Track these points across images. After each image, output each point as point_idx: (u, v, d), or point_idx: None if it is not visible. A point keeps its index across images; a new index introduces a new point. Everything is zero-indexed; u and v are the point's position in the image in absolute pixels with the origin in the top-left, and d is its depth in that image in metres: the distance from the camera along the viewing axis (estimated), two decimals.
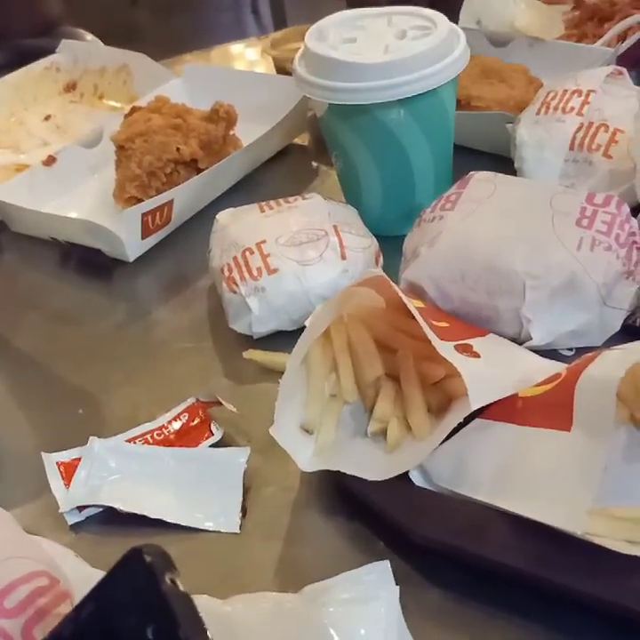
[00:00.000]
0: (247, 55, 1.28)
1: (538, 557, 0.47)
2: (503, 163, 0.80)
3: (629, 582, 0.45)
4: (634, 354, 0.49)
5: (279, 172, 0.93)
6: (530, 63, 0.96)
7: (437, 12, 0.75)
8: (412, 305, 0.55)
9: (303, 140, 0.99)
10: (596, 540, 0.45)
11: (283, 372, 0.63)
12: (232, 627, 0.47)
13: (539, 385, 0.55)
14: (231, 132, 0.92)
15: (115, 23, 1.87)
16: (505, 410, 0.54)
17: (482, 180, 0.68)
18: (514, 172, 0.79)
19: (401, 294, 0.55)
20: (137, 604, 0.34)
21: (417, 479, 0.53)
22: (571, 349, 0.63)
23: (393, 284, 0.56)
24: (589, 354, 0.53)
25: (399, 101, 0.71)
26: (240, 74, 1.05)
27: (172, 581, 0.34)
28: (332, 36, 0.75)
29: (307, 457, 0.56)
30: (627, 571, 0.45)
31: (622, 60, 0.91)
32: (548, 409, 0.52)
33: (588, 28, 1.04)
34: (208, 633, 0.34)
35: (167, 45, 1.33)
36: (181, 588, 0.34)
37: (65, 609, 0.45)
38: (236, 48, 1.27)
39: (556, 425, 0.50)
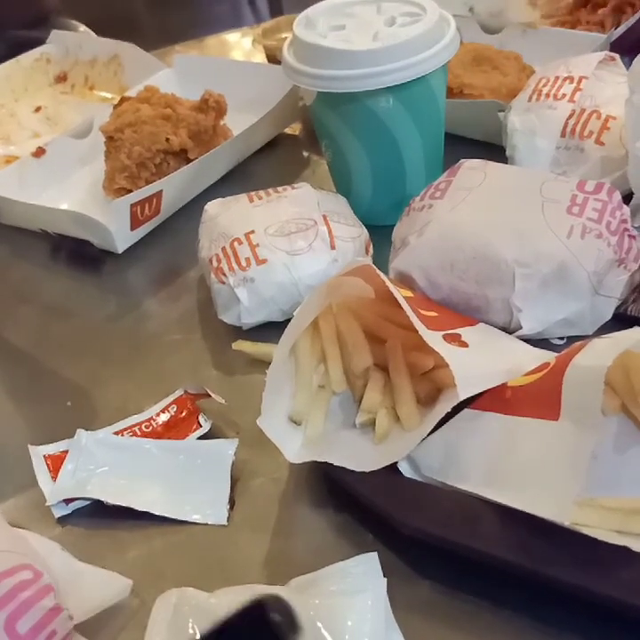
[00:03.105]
0: (240, 45, 1.27)
1: (526, 549, 0.47)
2: (495, 151, 0.79)
3: (618, 574, 0.45)
4: (622, 342, 0.48)
5: (269, 162, 0.93)
6: (523, 50, 0.95)
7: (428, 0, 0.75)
8: (400, 294, 0.54)
9: (294, 129, 0.98)
10: (585, 531, 0.45)
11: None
12: (213, 620, 0.47)
13: (527, 374, 0.54)
14: (221, 122, 0.91)
15: (110, 14, 1.86)
16: (494, 400, 0.53)
17: (472, 168, 0.67)
18: (505, 161, 0.78)
19: (388, 283, 0.55)
20: None
21: (406, 470, 0.52)
22: (562, 338, 0.62)
23: (380, 273, 0.56)
24: (578, 343, 0.53)
25: (388, 89, 0.70)
26: (230, 63, 1.04)
27: None
28: (321, 23, 0.74)
29: (295, 448, 0.56)
30: (615, 562, 0.45)
31: (615, 45, 0.90)
32: (537, 398, 0.51)
33: (581, 15, 1.03)
34: None
35: (163, 36, 1.32)
36: None
37: (48, 602, 0.44)
38: (229, 37, 1.26)
39: (544, 414, 0.50)
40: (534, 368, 0.54)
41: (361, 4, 0.76)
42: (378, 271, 0.56)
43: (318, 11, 0.75)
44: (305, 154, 0.94)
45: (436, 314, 0.59)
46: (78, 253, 0.82)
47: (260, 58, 1.15)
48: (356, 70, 0.69)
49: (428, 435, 0.52)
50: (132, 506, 0.55)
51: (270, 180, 0.80)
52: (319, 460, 0.53)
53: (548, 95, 0.76)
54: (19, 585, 0.44)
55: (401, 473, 0.52)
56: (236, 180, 0.90)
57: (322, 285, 0.56)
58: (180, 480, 0.57)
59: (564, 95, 0.76)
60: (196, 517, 0.55)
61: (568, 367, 0.49)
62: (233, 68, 1.00)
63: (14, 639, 0.42)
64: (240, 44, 1.27)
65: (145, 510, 0.55)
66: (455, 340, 0.57)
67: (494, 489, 0.49)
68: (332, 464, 0.53)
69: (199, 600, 0.48)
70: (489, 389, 0.53)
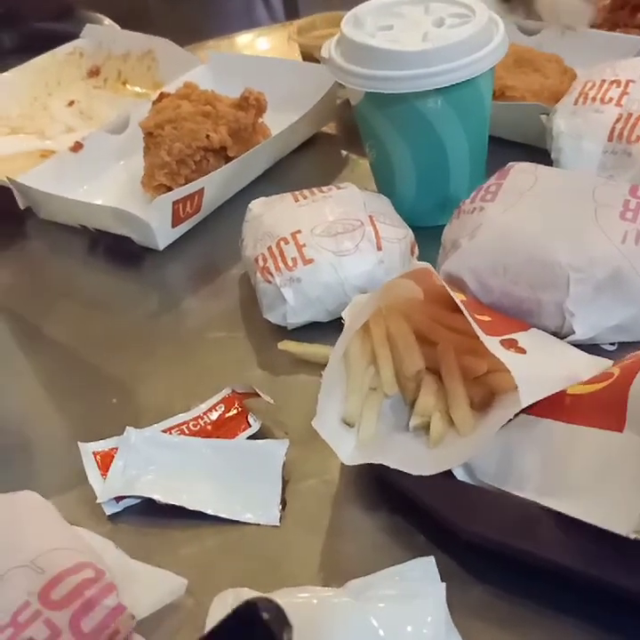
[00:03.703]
0: (269, 42, 1.26)
1: (587, 555, 0.47)
2: (537, 154, 0.79)
3: None
4: None
5: (307, 161, 0.92)
6: (562, 52, 0.95)
7: (477, 1, 0.74)
8: (456, 297, 0.54)
9: (331, 128, 0.98)
10: None
11: (317, 364, 0.62)
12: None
13: (588, 383, 0.53)
14: (260, 120, 0.91)
15: (124, 9, 1.85)
16: (552, 406, 0.53)
17: (522, 171, 0.67)
18: (549, 164, 0.77)
19: (447, 288, 0.54)
20: None
21: (459, 474, 0.52)
22: (613, 344, 0.62)
23: (438, 277, 0.55)
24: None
25: (437, 90, 0.70)
26: (266, 60, 1.03)
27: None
28: (369, 22, 0.73)
29: (348, 450, 0.55)
30: None
31: None
32: (599, 408, 0.51)
33: (619, 17, 1.02)
34: None
35: (177, 32, 1.31)
36: None
37: (111, 601, 0.44)
38: (258, 35, 1.26)
39: (608, 425, 0.49)
40: (595, 376, 0.54)
41: (409, 3, 0.75)
42: (436, 274, 0.55)
43: (366, 10, 0.75)
44: (343, 153, 0.94)
45: (489, 318, 0.59)
46: (117, 249, 0.82)
47: (289, 55, 1.14)
48: (405, 71, 0.69)
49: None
50: (183, 505, 0.55)
51: (309, 179, 0.80)
52: (374, 462, 0.53)
53: (594, 99, 0.76)
54: (82, 583, 0.44)
55: (454, 476, 0.52)
56: (275, 178, 0.89)
57: (381, 287, 0.56)
58: (232, 480, 0.57)
59: (611, 99, 0.75)
60: (248, 517, 0.55)
61: (635, 378, 0.49)
62: (269, 66, 1.00)
63: (79, 638, 0.42)
64: (267, 41, 1.26)
65: (197, 509, 0.55)
66: (513, 345, 0.57)
67: (554, 498, 0.49)
68: (386, 467, 0.53)
69: None
70: (548, 396, 0.53)
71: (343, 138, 0.96)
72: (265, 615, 0.34)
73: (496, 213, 0.63)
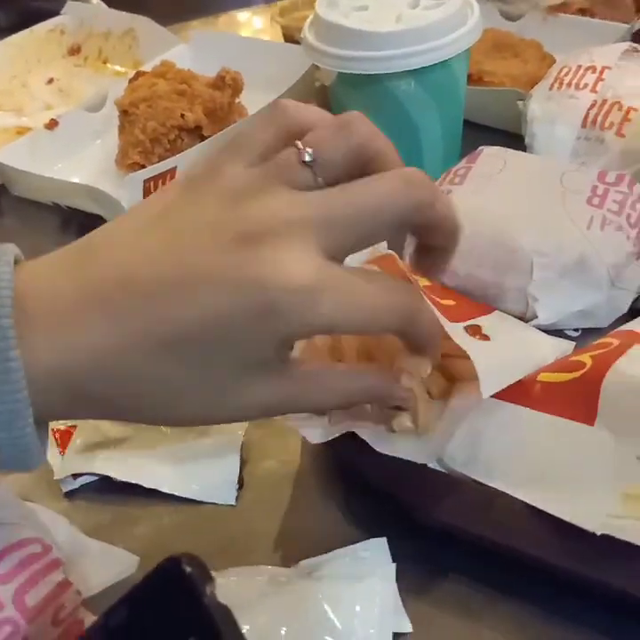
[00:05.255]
0: (254, 23, 1.26)
1: (543, 540, 0.46)
2: (513, 139, 0.78)
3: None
4: None
5: None
6: (543, 38, 0.94)
7: None
8: (419, 284, 0.54)
9: None
10: (617, 532, 0.44)
11: None
12: (226, 599, 0.47)
13: (558, 371, 0.53)
14: (237, 100, 0.90)
15: None
16: (520, 392, 0.52)
17: (491, 155, 0.66)
18: (524, 149, 0.77)
19: (410, 276, 0.54)
20: (176, 616, 0.33)
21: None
22: (576, 330, 0.62)
23: (400, 262, 0.55)
24: (617, 343, 0.52)
25: (410, 72, 0.69)
26: (248, 41, 1.03)
27: (212, 593, 0.33)
28: (344, 3, 0.73)
29: (316, 432, 0.55)
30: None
31: (637, 36, 0.89)
32: (571, 399, 0.50)
33: (603, 3, 1.02)
34: None
35: (171, 13, 1.30)
36: (220, 600, 0.33)
37: (57, 576, 0.44)
38: (244, 16, 1.25)
39: (578, 417, 0.49)
40: (566, 365, 0.53)
41: None
42: (399, 261, 0.55)
43: None
44: None
45: (453, 302, 0.59)
46: (89, 227, 0.80)
47: (272, 37, 1.13)
48: (379, 52, 0.68)
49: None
50: (140, 482, 0.55)
51: None
52: (344, 430, 0.52)
53: (569, 84, 0.76)
54: (28, 558, 0.43)
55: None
56: None
57: None
58: (190, 459, 0.57)
59: (586, 85, 0.75)
60: (204, 496, 0.55)
61: (608, 371, 0.48)
62: (250, 46, 0.99)
63: (23, 612, 0.42)
64: (251, 23, 1.25)
65: (153, 487, 0.55)
66: (477, 332, 0.56)
67: (523, 489, 0.48)
68: (347, 449, 0.52)
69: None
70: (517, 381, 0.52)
71: None
72: (187, 569, 0.34)
73: (463, 196, 0.63)
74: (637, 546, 0.43)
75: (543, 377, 0.52)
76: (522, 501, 0.47)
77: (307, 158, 0.38)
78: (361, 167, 0.40)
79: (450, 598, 0.48)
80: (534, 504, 0.46)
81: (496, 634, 0.46)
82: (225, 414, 0.41)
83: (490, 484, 0.49)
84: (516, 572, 0.48)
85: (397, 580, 0.48)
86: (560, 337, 0.60)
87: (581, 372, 0.50)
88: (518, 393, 0.52)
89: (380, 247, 0.65)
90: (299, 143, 0.38)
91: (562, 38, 0.93)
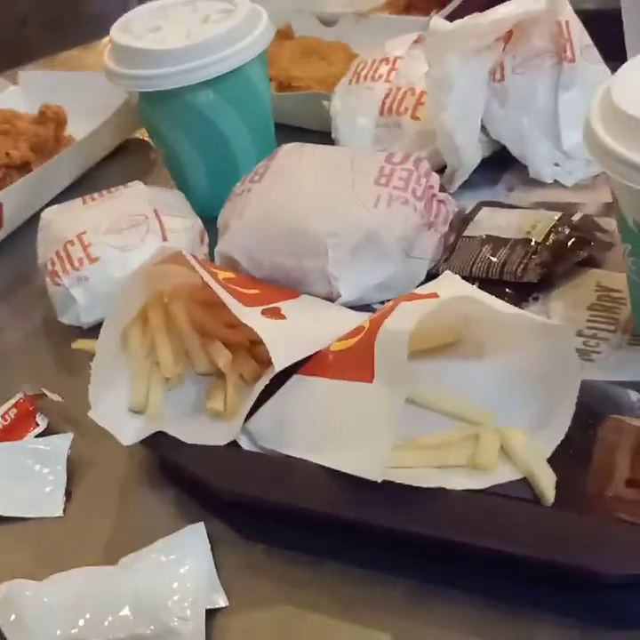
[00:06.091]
0: (90, 57, 1.27)
1: (340, 498, 0.49)
2: (325, 137, 0.81)
3: (430, 511, 0.47)
4: (423, 306, 0.51)
5: (118, 168, 0.94)
6: (358, 38, 0.99)
7: None
8: (207, 273, 0.56)
9: (143, 134, 0.99)
10: (399, 480, 0.47)
11: None
12: (43, 606, 0.48)
13: (346, 338, 0.56)
14: (66, 134, 0.92)
15: (4, 42, 1.84)
16: (318, 364, 0.56)
17: (289, 151, 0.70)
18: (333, 145, 0.81)
19: (195, 266, 0.56)
20: None
21: (244, 443, 0.54)
22: (382, 302, 0.65)
23: (190, 258, 0.57)
24: (387, 304, 0.55)
25: (206, 83, 0.72)
26: (73, 75, 1.04)
27: None
28: (137, 26, 0.76)
29: (132, 433, 0.57)
30: (428, 501, 0.47)
31: None
32: (353, 361, 0.54)
33: (414, 1, 1.07)
34: None
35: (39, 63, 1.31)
36: None
37: None
38: (80, 51, 1.26)
39: (360, 377, 0.52)
40: (351, 331, 0.57)
41: (177, 5, 0.78)
42: (188, 256, 0.57)
43: (134, 15, 0.77)
44: (152, 156, 0.95)
45: (257, 291, 0.61)
46: None
47: None
48: (171, 68, 0.71)
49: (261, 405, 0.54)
50: None
51: (118, 185, 0.81)
52: (150, 431, 0.55)
53: (365, 77, 0.80)
54: None
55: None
56: (85, 188, 0.89)
57: (135, 274, 0.58)
58: (17, 478, 0.58)
59: (380, 76, 0.79)
60: (32, 513, 0.56)
61: (379, 331, 0.52)
62: (76, 80, 1.01)
63: None
64: (84, 57, 1.26)
65: None
66: (275, 313, 0.59)
67: (315, 453, 0.51)
68: (161, 443, 0.54)
69: (27, 588, 0.49)
70: (315, 354, 0.55)
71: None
72: None
73: (262, 192, 0.66)
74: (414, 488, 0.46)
75: (334, 346, 0.56)
76: (313, 465, 0.49)
77: None
78: None
79: (268, 573, 0.51)
80: (320, 462, 0.49)
81: (313, 599, 0.49)
82: None
83: (289, 453, 0.52)
84: (327, 537, 0.50)
85: (218, 559, 0.50)
86: (369, 311, 0.64)
87: (360, 336, 0.53)
88: (314, 365, 0.55)
89: (167, 245, 0.68)
90: None
91: (373, 37, 0.97)
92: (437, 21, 0.68)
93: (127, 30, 0.75)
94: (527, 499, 0.48)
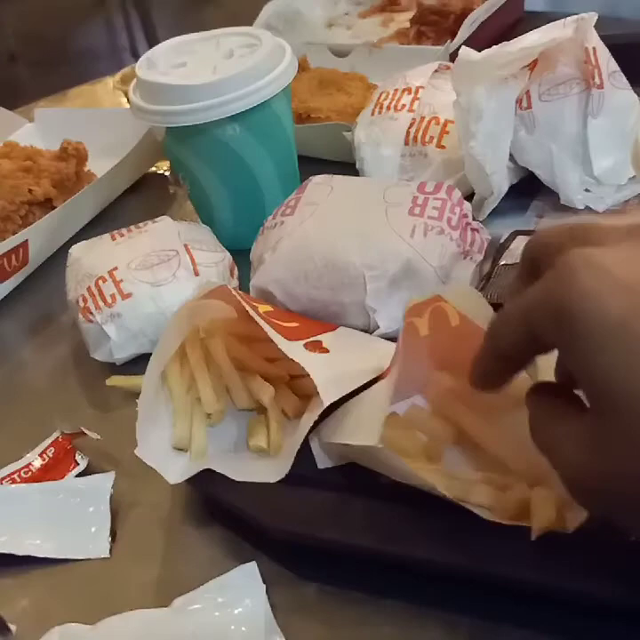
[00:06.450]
0: (101, 93, 1.28)
1: (389, 534, 0.48)
2: (347, 168, 0.82)
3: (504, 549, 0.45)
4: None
5: (137, 203, 0.94)
6: (371, 69, 1.00)
7: (263, 30, 0.78)
8: (253, 309, 0.56)
9: (160, 168, 1.00)
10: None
11: None
12: None
13: None
14: (86, 169, 0.92)
15: None
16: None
17: (319, 183, 0.70)
18: (357, 175, 0.81)
19: (241, 299, 0.56)
20: None
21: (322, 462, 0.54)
22: None
23: (234, 292, 0.57)
24: None
25: (233, 118, 0.72)
26: (89, 112, 1.06)
27: None
28: (162, 63, 0.76)
29: (178, 471, 0.56)
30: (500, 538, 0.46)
31: (455, 56, 0.94)
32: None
33: (425, 30, 1.08)
34: None
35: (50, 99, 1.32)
36: None
37: None
38: (90, 88, 1.27)
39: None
40: None
41: (201, 41, 0.79)
42: (232, 290, 0.57)
43: (158, 51, 0.78)
44: (171, 190, 0.96)
45: (297, 324, 0.61)
46: None
47: (120, 104, 1.16)
48: (198, 103, 0.71)
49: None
50: (12, 551, 0.55)
51: (138, 220, 0.80)
52: (196, 470, 0.54)
53: (388, 107, 0.80)
54: None
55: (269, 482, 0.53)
56: (105, 223, 0.91)
57: (180, 310, 0.57)
58: (61, 519, 0.57)
59: (403, 106, 0.79)
60: (77, 554, 0.55)
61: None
62: (93, 117, 1.01)
63: None
64: (96, 92, 1.28)
65: (25, 554, 0.55)
66: (317, 347, 0.59)
67: (339, 435, 0.52)
68: (213, 484, 0.54)
69: (80, 633, 0.48)
70: None
71: (172, 176, 0.98)
72: None
73: (295, 225, 0.66)
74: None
75: None
76: (362, 503, 0.49)
77: None
78: None
79: (324, 613, 0.50)
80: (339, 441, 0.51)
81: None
82: None
83: (334, 441, 0.52)
84: (382, 575, 0.50)
85: (272, 599, 0.50)
86: None
87: None
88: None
89: (211, 281, 0.68)
90: None
91: (387, 67, 0.98)
92: (465, 51, 0.69)
93: (152, 66, 0.76)
94: None
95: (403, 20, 1.15)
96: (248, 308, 0.56)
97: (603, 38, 0.70)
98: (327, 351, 0.58)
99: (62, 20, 3.18)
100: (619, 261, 0.35)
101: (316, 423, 0.54)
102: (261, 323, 0.55)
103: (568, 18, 0.70)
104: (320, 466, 0.53)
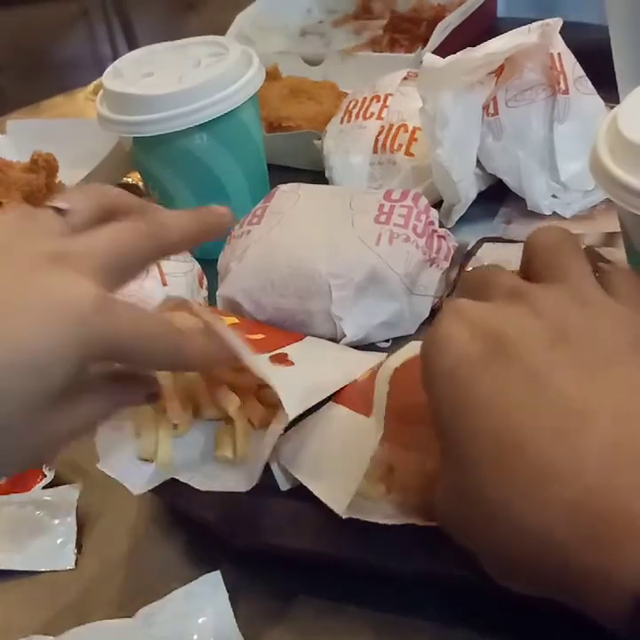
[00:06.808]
0: (74, 103, 1.27)
1: (355, 542, 0.48)
2: (318, 176, 0.82)
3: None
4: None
5: None
6: (344, 77, 1.00)
7: (230, 39, 0.78)
8: (219, 322, 0.55)
9: (133, 178, 0.99)
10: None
11: None
12: None
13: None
14: (57, 181, 0.92)
15: None
16: (344, 393, 0.56)
17: (286, 192, 0.70)
18: (327, 184, 0.81)
19: (201, 315, 0.56)
20: None
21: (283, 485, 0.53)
22: (387, 341, 0.65)
23: (195, 305, 0.57)
24: None
25: (200, 127, 0.72)
26: (61, 123, 1.05)
27: None
28: (129, 73, 0.76)
29: (142, 482, 0.56)
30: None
31: None
32: (359, 394, 0.54)
33: (398, 37, 1.08)
34: None
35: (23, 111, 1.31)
36: None
37: None
38: (64, 99, 1.27)
39: (363, 409, 0.52)
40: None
41: (168, 50, 0.79)
42: (193, 303, 0.57)
43: (126, 61, 0.78)
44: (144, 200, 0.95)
45: (262, 336, 0.61)
46: None
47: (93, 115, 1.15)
48: (162, 113, 0.71)
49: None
50: None
51: None
52: (160, 480, 0.54)
53: (357, 115, 0.80)
54: None
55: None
56: None
57: None
58: (27, 531, 0.57)
59: (372, 114, 0.80)
60: (43, 566, 0.55)
61: (381, 367, 0.52)
62: (65, 127, 1.01)
63: None
64: (69, 103, 1.27)
65: None
66: (282, 360, 0.59)
67: (305, 474, 0.51)
68: (172, 490, 0.54)
69: None
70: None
71: (144, 186, 0.98)
72: None
73: (261, 233, 0.66)
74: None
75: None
76: (327, 511, 0.49)
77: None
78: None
79: (281, 616, 0.50)
80: (310, 488, 0.49)
81: None
82: None
83: (296, 476, 0.51)
84: (344, 582, 0.50)
85: (237, 607, 0.50)
86: (373, 350, 0.64)
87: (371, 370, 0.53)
88: (341, 394, 0.55)
89: (172, 294, 0.67)
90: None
91: (359, 75, 0.98)
92: (430, 58, 0.69)
93: (119, 76, 0.76)
94: None
95: (376, 27, 1.15)
96: (210, 322, 0.56)
97: (567, 44, 0.70)
98: (292, 364, 0.58)
99: (46, 30, 3.19)
100: (479, 314, 0.38)
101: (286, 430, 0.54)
102: (227, 337, 0.55)
103: (533, 23, 0.70)
104: (282, 488, 0.52)
